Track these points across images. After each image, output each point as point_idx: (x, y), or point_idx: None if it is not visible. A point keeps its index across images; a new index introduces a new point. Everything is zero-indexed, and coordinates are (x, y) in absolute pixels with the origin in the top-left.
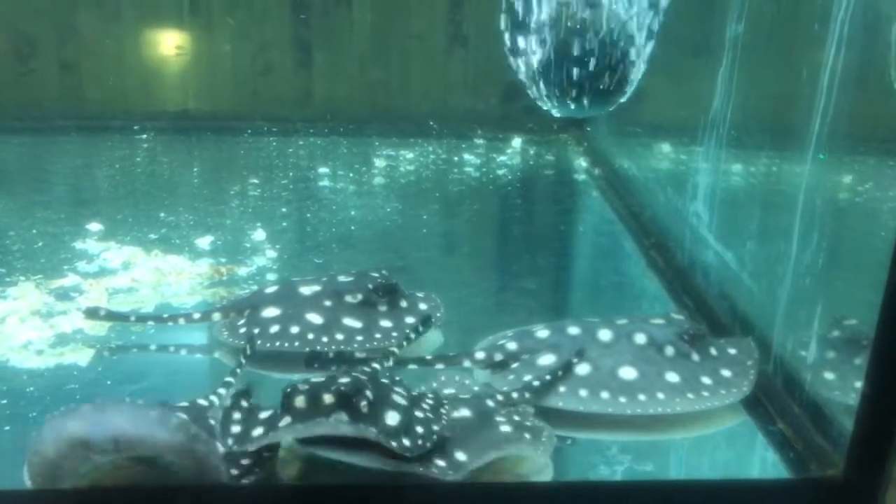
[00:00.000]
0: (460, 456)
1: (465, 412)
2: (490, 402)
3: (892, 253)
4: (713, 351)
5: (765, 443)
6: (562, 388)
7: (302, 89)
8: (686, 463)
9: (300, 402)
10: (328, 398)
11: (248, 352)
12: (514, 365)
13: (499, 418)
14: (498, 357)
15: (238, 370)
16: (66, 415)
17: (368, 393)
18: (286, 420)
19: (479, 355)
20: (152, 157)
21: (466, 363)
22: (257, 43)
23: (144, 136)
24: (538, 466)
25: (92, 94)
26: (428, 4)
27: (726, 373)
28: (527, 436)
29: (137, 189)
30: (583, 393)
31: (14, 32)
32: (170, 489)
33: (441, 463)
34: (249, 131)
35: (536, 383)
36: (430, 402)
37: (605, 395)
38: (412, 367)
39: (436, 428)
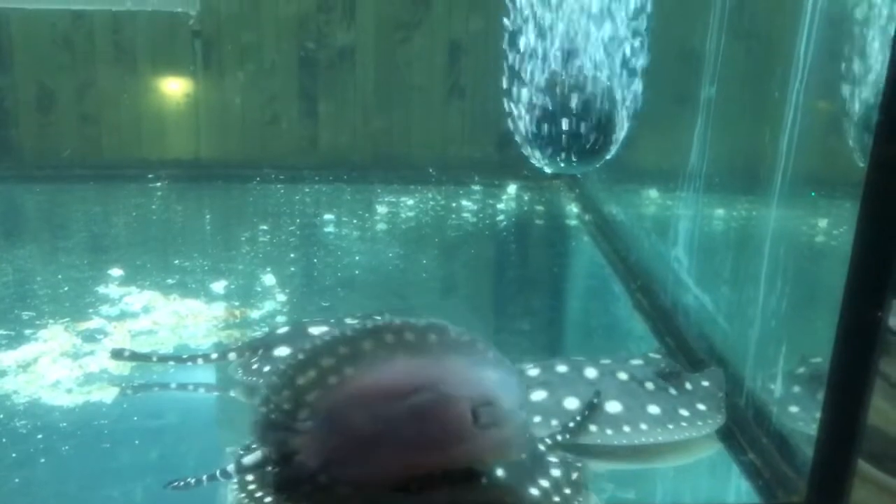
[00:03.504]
0: None
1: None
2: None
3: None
4: (688, 386)
5: (738, 471)
6: (553, 421)
7: (308, 138)
8: (666, 490)
9: None
10: None
11: None
12: None
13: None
14: None
15: None
16: None
17: None
18: None
19: None
20: (167, 204)
21: None
22: (266, 95)
23: (159, 184)
24: None
25: (109, 144)
26: (427, 58)
27: (701, 406)
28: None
29: (154, 236)
30: (572, 425)
31: (37, 86)
32: None
33: None
34: (258, 179)
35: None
36: None
37: (592, 427)
38: None
39: None
